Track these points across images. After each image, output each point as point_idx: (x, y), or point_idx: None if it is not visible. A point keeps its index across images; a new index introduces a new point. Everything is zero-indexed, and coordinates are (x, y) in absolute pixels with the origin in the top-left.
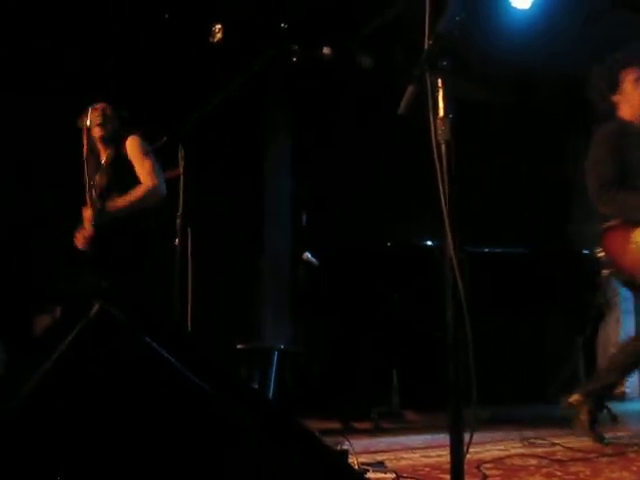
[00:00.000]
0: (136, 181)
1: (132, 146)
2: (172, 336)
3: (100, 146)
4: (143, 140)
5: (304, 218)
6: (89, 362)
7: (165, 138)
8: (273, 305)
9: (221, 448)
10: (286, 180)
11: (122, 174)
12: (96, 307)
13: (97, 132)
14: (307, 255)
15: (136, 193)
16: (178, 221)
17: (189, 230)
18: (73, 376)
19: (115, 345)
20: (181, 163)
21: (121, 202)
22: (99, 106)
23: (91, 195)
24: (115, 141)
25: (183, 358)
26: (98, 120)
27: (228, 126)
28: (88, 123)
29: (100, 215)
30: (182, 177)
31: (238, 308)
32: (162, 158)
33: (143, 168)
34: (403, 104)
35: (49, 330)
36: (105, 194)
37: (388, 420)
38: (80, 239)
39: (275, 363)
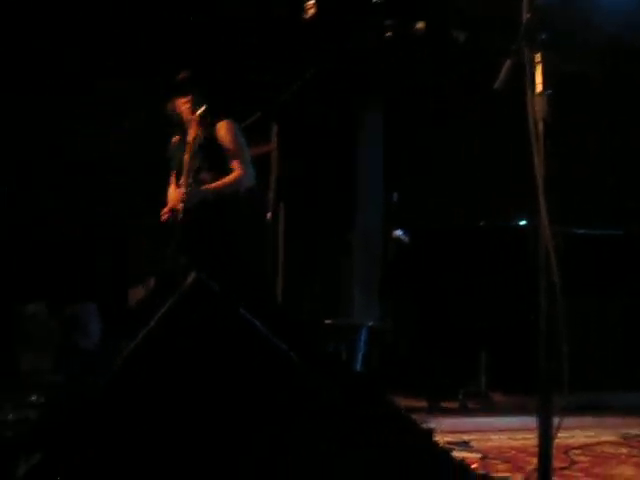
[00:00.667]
0: (225, 165)
1: (225, 131)
2: (264, 308)
3: (189, 126)
4: (236, 125)
5: (395, 195)
6: (184, 332)
7: (258, 114)
8: (362, 281)
9: (309, 420)
10: (378, 155)
11: (212, 157)
12: (191, 278)
13: (187, 113)
14: (398, 233)
15: (227, 181)
16: (270, 196)
17: (281, 205)
18: (167, 347)
19: (210, 315)
20: (274, 139)
21: (212, 187)
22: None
23: (180, 175)
24: (205, 123)
25: (274, 329)
26: (188, 104)
27: (321, 102)
28: (177, 107)
29: (190, 196)
30: (275, 152)
31: (327, 283)
32: (255, 133)
33: (234, 155)
34: (499, 79)
35: (144, 301)
36: (195, 176)
37: (475, 401)
38: (166, 216)
39: (363, 340)
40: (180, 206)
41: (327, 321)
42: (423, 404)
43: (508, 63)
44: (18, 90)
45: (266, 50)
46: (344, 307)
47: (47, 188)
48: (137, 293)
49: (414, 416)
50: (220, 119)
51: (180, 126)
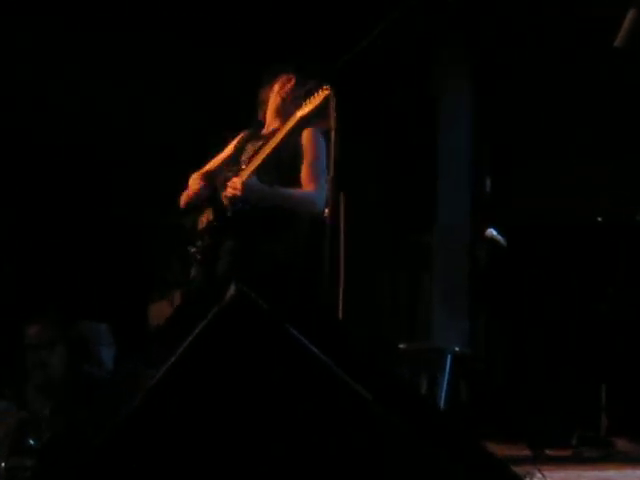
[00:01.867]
0: (295, 174)
1: (311, 140)
2: (320, 327)
3: (269, 119)
4: (322, 137)
5: (488, 184)
6: (223, 355)
7: (312, 82)
8: (445, 295)
9: (377, 468)
10: (464, 136)
11: (284, 158)
12: (232, 290)
13: (276, 101)
14: (491, 232)
15: (299, 195)
16: (328, 186)
17: (341, 197)
18: (204, 370)
19: (254, 335)
20: (332, 114)
21: (280, 190)
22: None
23: (236, 163)
24: (289, 124)
25: (333, 354)
26: (286, 89)
27: (391, 68)
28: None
29: (250, 189)
30: (333, 132)
31: (401, 296)
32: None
33: (312, 172)
34: (621, 35)
35: (172, 319)
36: (262, 170)
37: (593, 448)
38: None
39: (447, 368)
40: (232, 193)
41: (401, 345)
42: (525, 452)
43: (632, 14)
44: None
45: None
46: (422, 327)
47: (49, 179)
48: (160, 309)
49: (514, 467)
50: (306, 122)
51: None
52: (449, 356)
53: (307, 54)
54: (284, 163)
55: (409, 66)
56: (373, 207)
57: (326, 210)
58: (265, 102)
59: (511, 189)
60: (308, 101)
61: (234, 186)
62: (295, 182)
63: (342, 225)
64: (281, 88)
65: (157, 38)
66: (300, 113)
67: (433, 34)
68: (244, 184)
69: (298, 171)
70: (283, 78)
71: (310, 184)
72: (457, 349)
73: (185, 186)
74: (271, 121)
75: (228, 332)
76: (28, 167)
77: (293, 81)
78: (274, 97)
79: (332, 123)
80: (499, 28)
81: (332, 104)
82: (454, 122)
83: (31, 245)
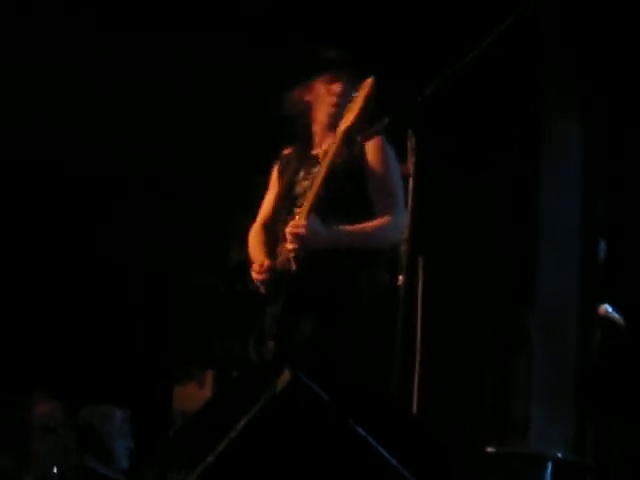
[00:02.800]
0: (366, 206)
1: (376, 155)
2: (390, 424)
3: (319, 133)
4: (390, 148)
5: (602, 249)
6: (273, 449)
7: (387, 119)
8: (546, 387)
9: None
10: (573, 189)
11: (350, 187)
12: (286, 376)
13: (326, 110)
14: (606, 309)
15: (371, 226)
16: (403, 248)
17: (420, 261)
18: (252, 464)
19: (310, 433)
20: (410, 157)
21: (350, 230)
22: (340, 77)
23: (293, 206)
24: (351, 137)
25: (406, 458)
26: (333, 99)
27: (481, 102)
28: (308, 99)
29: (316, 232)
30: (411, 179)
31: (490, 386)
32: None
33: (386, 193)
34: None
35: (210, 404)
36: (320, 212)
37: None
38: (259, 271)
39: (548, 479)
40: (294, 249)
41: (489, 449)
42: None
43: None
44: None
45: (400, 25)
46: (516, 428)
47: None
48: (188, 393)
49: None
50: (367, 133)
51: (301, 132)
52: (549, 464)
53: (380, 82)
54: (346, 191)
55: (506, 104)
56: (457, 274)
57: (400, 277)
58: (301, 108)
59: (631, 256)
60: (350, 106)
61: (292, 239)
62: (366, 209)
63: (420, 295)
64: (330, 91)
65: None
66: (344, 125)
67: (537, 70)
68: (302, 234)
69: (366, 196)
70: (327, 78)
71: (386, 208)
72: (560, 455)
73: (241, 240)
74: (322, 136)
75: (277, 428)
76: (37, 233)
77: (343, 83)
78: (323, 104)
79: (410, 168)
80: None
81: (410, 145)
82: (559, 173)
83: (42, 313)
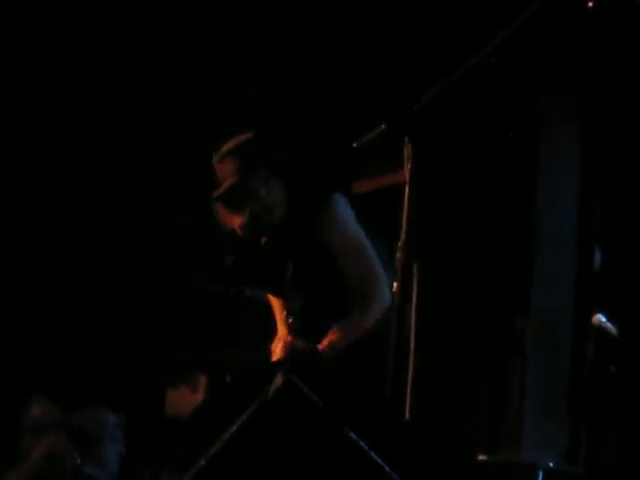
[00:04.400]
0: (335, 274)
1: (332, 228)
2: (385, 431)
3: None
4: (345, 208)
5: (597, 256)
6: (266, 453)
7: (383, 126)
8: (539, 397)
9: None
10: (569, 193)
11: (315, 273)
12: (279, 379)
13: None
14: (600, 318)
15: (354, 325)
16: (398, 255)
17: (414, 268)
18: (244, 467)
19: (303, 439)
20: (407, 165)
21: (338, 337)
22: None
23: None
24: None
25: (399, 465)
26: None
27: (479, 109)
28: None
29: (295, 352)
30: (407, 186)
31: (483, 394)
32: (378, 156)
33: (360, 268)
34: None
35: (202, 409)
36: (303, 315)
37: None
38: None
39: None
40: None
41: (481, 457)
42: None
43: None
44: None
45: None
46: (508, 436)
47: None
48: (181, 397)
49: None
50: (362, 140)
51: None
52: (541, 473)
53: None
54: (314, 278)
55: (503, 110)
56: (452, 281)
57: (394, 284)
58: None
59: (627, 264)
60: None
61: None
62: (345, 287)
63: (414, 302)
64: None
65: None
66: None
67: (535, 72)
68: (288, 358)
69: (342, 275)
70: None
71: (363, 285)
72: (551, 465)
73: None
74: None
75: (270, 432)
76: (33, 236)
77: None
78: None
79: (406, 176)
80: (616, 63)
81: (407, 153)
82: (556, 179)
83: (37, 317)
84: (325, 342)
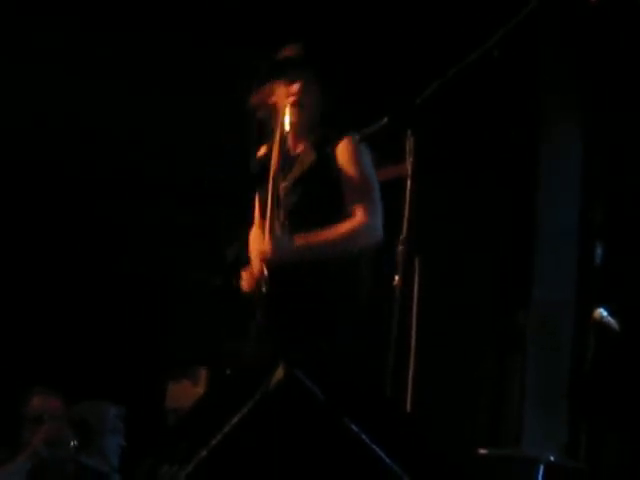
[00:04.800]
0: (341, 208)
1: (347, 155)
2: (385, 423)
3: (290, 141)
4: (363, 146)
5: (599, 252)
6: (267, 445)
7: (385, 119)
8: (540, 390)
9: None
10: (571, 191)
11: (321, 192)
12: (279, 373)
13: (288, 118)
14: (601, 313)
15: (342, 230)
16: (400, 248)
17: (416, 262)
18: (245, 459)
19: (305, 430)
20: (409, 158)
21: (318, 238)
22: (297, 77)
23: (272, 217)
24: (315, 138)
25: (400, 457)
26: (291, 99)
27: (480, 104)
28: (272, 101)
29: (282, 250)
30: (409, 180)
31: (484, 388)
32: (380, 149)
33: (359, 193)
34: None
35: (204, 401)
36: (293, 218)
37: None
38: (247, 280)
39: None
40: (263, 264)
41: (481, 451)
42: None
43: None
44: None
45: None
46: (508, 430)
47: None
48: (182, 390)
49: None
50: (338, 133)
51: (269, 133)
52: (541, 467)
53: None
54: (318, 196)
55: (505, 105)
56: (454, 276)
57: (396, 277)
58: (267, 111)
59: (627, 259)
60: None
61: (262, 254)
62: (342, 211)
63: (415, 297)
64: (289, 92)
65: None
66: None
67: (535, 71)
68: (271, 247)
69: (340, 199)
70: (285, 79)
71: (358, 209)
72: (552, 458)
73: (237, 237)
74: (294, 139)
75: (271, 424)
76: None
77: (301, 82)
78: (284, 105)
79: (408, 169)
80: (618, 65)
81: (409, 146)
82: (558, 176)
83: (40, 310)
84: (302, 237)
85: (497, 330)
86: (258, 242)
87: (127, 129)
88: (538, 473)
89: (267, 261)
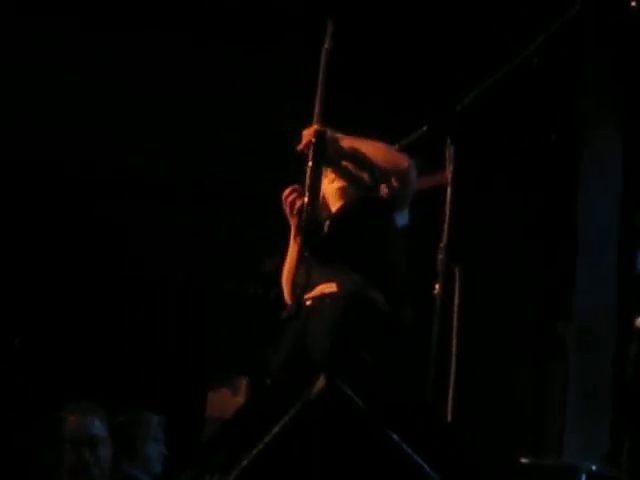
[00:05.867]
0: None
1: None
2: (426, 433)
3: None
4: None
5: None
6: (307, 455)
7: (425, 128)
8: (582, 399)
9: None
10: (612, 200)
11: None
12: (321, 383)
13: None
14: None
15: (383, 144)
16: (440, 257)
17: (456, 271)
18: (285, 469)
19: (346, 440)
20: (449, 167)
21: (359, 141)
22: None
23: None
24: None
25: (441, 467)
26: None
27: (521, 110)
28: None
29: (323, 139)
30: (449, 188)
31: (525, 398)
32: (420, 158)
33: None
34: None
35: (244, 411)
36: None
37: None
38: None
39: None
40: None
41: (523, 460)
42: None
43: None
44: None
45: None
46: (550, 439)
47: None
48: (222, 400)
49: None
50: (405, 142)
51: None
52: (583, 476)
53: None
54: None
55: (544, 113)
56: (494, 285)
57: (436, 286)
58: None
59: None
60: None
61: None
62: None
63: (456, 307)
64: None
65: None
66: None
67: (576, 75)
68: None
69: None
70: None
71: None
72: (594, 468)
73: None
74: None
75: (312, 433)
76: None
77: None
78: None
79: (448, 177)
80: None
81: (449, 154)
82: (598, 181)
83: (77, 322)
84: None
85: (538, 338)
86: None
87: (168, 130)
88: None
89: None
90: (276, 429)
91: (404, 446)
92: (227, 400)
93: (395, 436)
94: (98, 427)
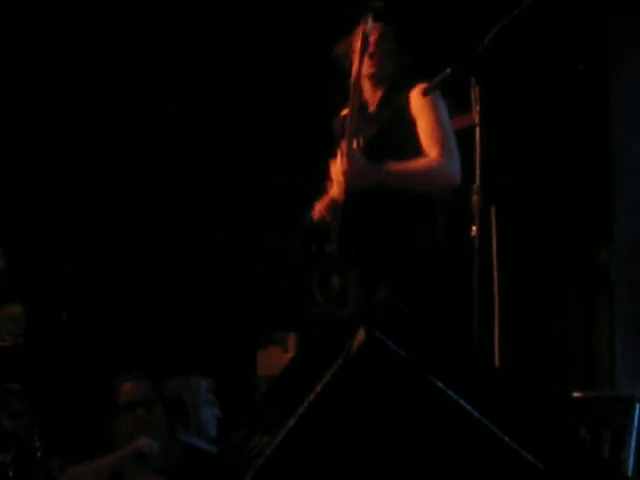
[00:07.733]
0: (415, 149)
1: (421, 100)
2: (472, 377)
3: (368, 88)
4: (438, 96)
5: None
6: (350, 417)
7: (449, 70)
8: (630, 329)
9: None
10: None
11: (398, 131)
12: (361, 335)
13: (367, 66)
14: None
15: (419, 164)
16: (474, 198)
17: (492, 211)
18: (327, 438)
19: (389, 390)
20: (475, 107)
21: (396, 166)
22: (374, 26)
23: (350, 143)
24: (391, 85)
25: (489, 410)
26: (371, 48)
27: (545, 43)
28: (356, 48)
29: (359, 171)
30: (478, 129)
31: (572, 332)
32: (445, 100)
33: (432, 134)
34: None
35: (290, 368)
36: (371, 148)
37: None
38: (320, 208)
39: (637, 423)
40: (339, 187)
41: (575, 394)
42: None
43: None
44: None
45: None
46: (601, 372)
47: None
48: (271, 357)
49: None
50: (410, 82)
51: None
52: (638, 406)
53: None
54: (395, 138)
55: (570, 43)
56: (532, 221)
57: (474, 228)
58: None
59: None
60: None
61: (341, 174)
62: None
63: (494, 246)
64: (375, 45)
65: None
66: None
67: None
68: (350, 166)
69: (416, 142)
70: (364, 27)
71: (436, 151)
72: None
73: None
74: (371, 92)
75: (356, 388)
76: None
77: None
78: (371, 60)
79: (475, 118)
80: None
81: (474, 95)
82: (630, 109)
83: (123, 290)
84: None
85: (581, 270)
86: (339, 165)
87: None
88: (635, 411)
89: (346, 179)
90: (318, 387)
91: (450, 393)
92: (277, 358)
93: (440, 383)
94: (150, 391)
